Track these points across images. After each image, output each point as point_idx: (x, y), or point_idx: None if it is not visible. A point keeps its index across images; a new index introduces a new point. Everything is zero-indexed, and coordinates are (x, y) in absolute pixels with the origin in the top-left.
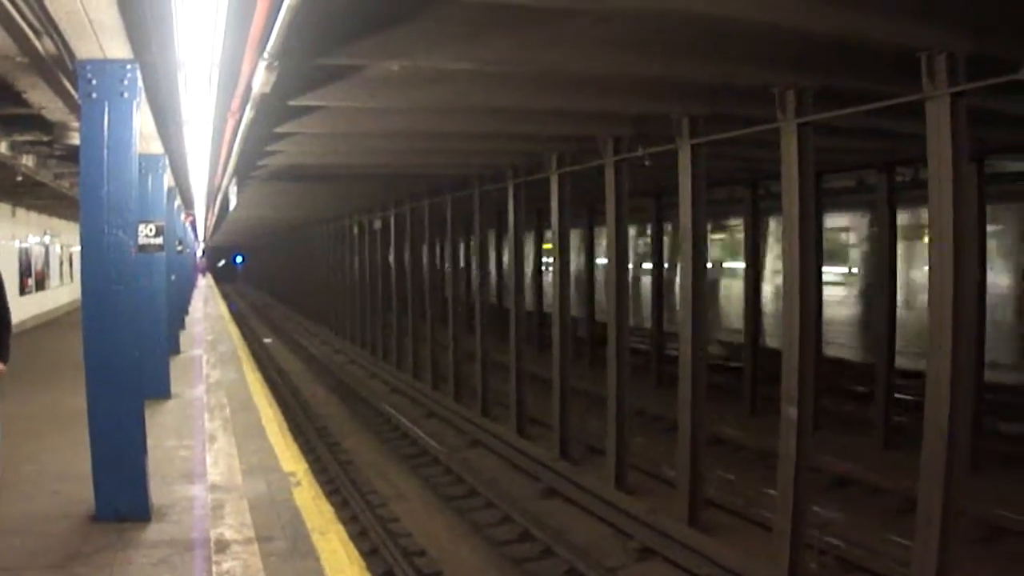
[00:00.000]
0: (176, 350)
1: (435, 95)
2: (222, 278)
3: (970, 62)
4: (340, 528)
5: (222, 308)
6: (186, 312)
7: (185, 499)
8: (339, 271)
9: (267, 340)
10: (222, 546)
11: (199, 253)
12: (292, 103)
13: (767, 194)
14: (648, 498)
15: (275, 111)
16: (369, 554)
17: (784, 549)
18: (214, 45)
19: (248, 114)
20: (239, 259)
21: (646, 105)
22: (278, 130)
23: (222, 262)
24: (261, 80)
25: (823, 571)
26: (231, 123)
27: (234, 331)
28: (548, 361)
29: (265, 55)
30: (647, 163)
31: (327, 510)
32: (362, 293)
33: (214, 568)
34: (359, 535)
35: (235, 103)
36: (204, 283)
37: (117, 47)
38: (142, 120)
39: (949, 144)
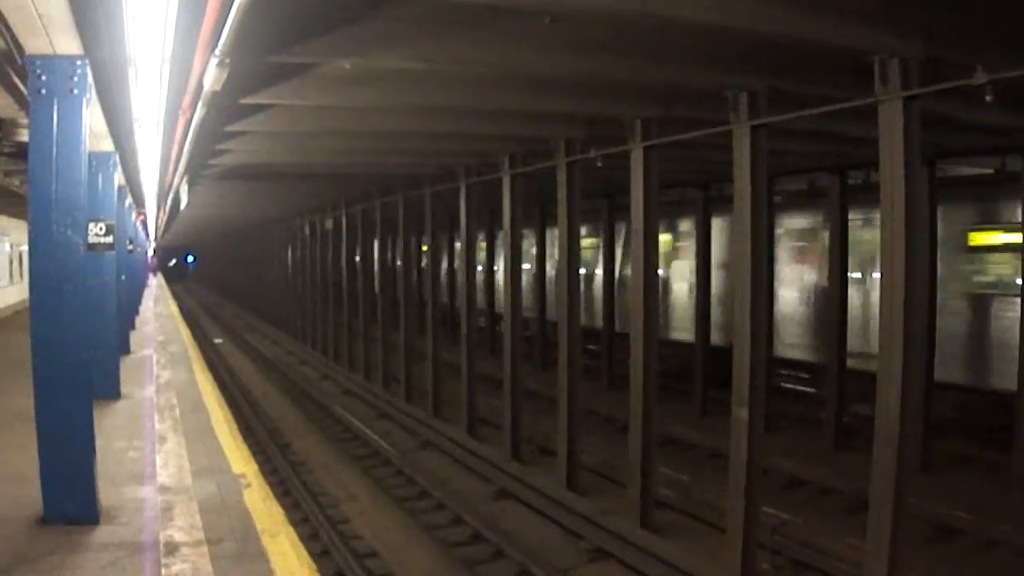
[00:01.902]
0: (126, 350)
1: (388, 94)
2: (173, 278)
3: (923, 66)
4: (291, 530)
5: (173, 308)
6: (136, 312)
7: (134, 501)
8: (290, 271)
9: (218, 340)
10: (171, 548)
11: (150, 252)
12: (244, 101)
13: (719, 196)
14: (600, 499)
15: (227, 109)
16: (320, 556)
17: (736, 549)
18: (165, 42)
19: (199, 112)
20: (190, 259)
21: (599, 107)
22: (229, 128)
23: (173, 261)
24: (212, 78)
25: (775, 571)
26: (182, 121)
27: (184, 331)
28: (499, 362)
29: (216, 52)
30: (599, 164)
31: (277, 512)
32: (313, 294)
33: (163, 571)
34: (310, 537)
35: (186, 101)
36: (155, 283)
37: (67, 43)
38: (92, 117)
39: (901, 147)
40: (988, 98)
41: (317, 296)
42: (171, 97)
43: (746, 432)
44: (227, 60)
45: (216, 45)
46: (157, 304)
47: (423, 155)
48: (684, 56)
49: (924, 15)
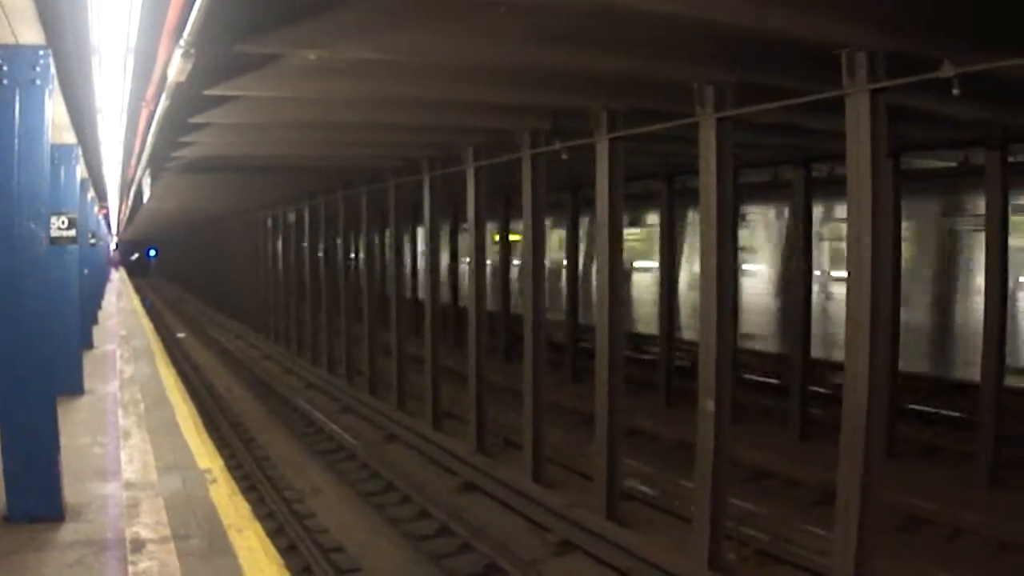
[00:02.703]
0: (89, 345)
1: (352, 86)
2: (135, 272)
3: (889, 59)
4: (258, 526)
5: (135, 303)
6: (99, 307)
7: (99, 498)
8: (253, 265)
9: (180, 335)
10: (138, 545)
11: (112, 246)
12: (208, 92)
13: (682, 189)
14: (566, 491)
15: (191, 100)
16: (286, 551)
17: (703, 541)
18: (130, 32)
19: (163, 103)
20: (152, 253)
21: (565, 98)
22: (193, 120)
23: (135, 256)
24: (177, 68)
25: (742, 562)
26: (145, 113)
27: (147, 325)
28: (462, 355)
29: (181, 42)
30: (564, 157)
31: (244, 507)
32: (276, 287)
33: (130, 568)
34: (276, 532)
35: (150, 92)
36: (117, 277)
37: (30, 32)
38: (55, 109)
39: (868, 140)
40: (955, 91)
41: (280, 290)
42: (135, 88)
43: (713, 423)
44: (192, 50)
45: (181, 35)
46: (119, 299)
47: (387, 147)
48: (650, 48)
49: (891, 8)
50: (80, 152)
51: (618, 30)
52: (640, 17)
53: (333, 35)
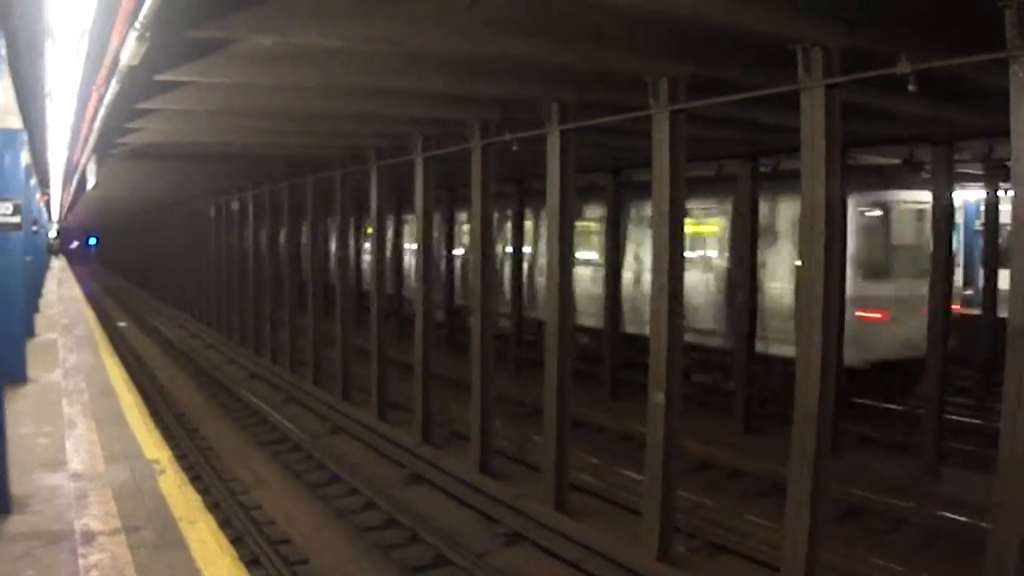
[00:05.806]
0: (31, 333)
1: (303, 73)
2: (75, 260)
3: (845, 55)
4: (209, 517)
5: (76, 291)
6: (40, 294)
7: (47, 489)
8: (196, 254)
9: (121, 324)
10: (88, 538)
11: (52, 234)
12: (159, 78)
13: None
14: (514, 483)
15: (141, 86)
16: (234, 542)
17: (653, 532)
18: (86, 13)
19: (113, 87)
20: (92, 241)
21: (516, 89)
22: (142, 106)
23: (75, 244)
24: (130, 52)
25: (691, 554)
26: (95, 97)
27: (89, 314)
28: (405, 347)
29: (137, 25)
30: (515, 148)
31: (194, 498)
32: (219, 277)
33: (80, 561)
34: (223, 523)
35: (101, 75)
36: (57, 265)
37: None
38: (4, 92)
39: (823, 135)
40: (911, 87)
41: (222, 279)
42: (86, 71)
43: (663, 416)
44: (147, 34)
45: (137, 17)
46: (60, 286)
47: (335, 136)
48: (605, 40)
49: (847, 4)
50: (26, 137)
51: (573, 21)
52: (597, 8)
53: (288, 20)
